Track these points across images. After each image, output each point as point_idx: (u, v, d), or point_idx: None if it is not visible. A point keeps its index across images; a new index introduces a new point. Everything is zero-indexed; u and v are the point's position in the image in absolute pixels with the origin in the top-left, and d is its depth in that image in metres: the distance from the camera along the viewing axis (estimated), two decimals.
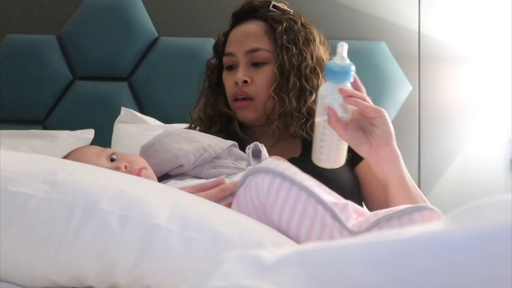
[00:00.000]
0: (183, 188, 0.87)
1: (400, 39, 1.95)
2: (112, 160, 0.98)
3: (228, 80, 1.25)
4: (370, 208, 1.16)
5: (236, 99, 1.23)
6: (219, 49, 1.31)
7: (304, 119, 1.20)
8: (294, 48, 1.21)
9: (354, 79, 0.94)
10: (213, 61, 1.33)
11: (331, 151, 0.94)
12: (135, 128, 1.70)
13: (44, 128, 1.90)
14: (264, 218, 0.72)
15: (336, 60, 0.90)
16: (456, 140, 1.94)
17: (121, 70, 1.94)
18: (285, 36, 1.22)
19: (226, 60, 1.26)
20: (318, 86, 1.20)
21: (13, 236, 0.58)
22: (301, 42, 1.23)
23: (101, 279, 0.59)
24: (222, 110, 1.28)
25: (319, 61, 1.24)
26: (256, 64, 1.23)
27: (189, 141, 1.05)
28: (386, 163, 0.96)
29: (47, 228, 0.58)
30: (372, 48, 1.91)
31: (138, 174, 0.95)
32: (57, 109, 1.92)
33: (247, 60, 1.23)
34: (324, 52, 1.28)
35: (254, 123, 1.25)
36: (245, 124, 1.26)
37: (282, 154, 1.07)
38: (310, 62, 1.22)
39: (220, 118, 1.28)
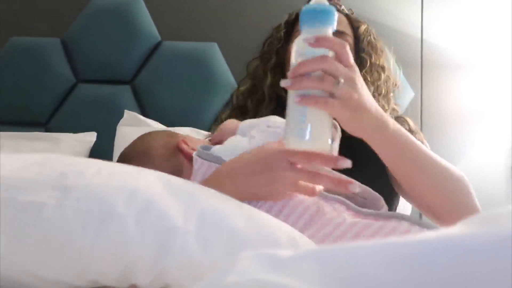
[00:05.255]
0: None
1: (403, 45, 1.95)
2: None
3: None
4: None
5: None
6: (289, 28, 1.23)
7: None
8: (377, 50, 1.24)
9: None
10: (281, 34, 1.24)
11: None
12: (138, 131, 1.69)
13: (47, 131, 1.90)
14: None
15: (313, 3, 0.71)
16: (458, 147, 1.94)
17: (124, 73, 1.94)
18: (369, 37, 1.24)
19: None
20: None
21: (29, 247, 0.56)
22: (379, 49, 1.26)
23: (121, 281, 0.58)
24: (282, 93, 1.17)
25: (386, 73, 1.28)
26: None
27: None
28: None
29: (64, 236, 0.56)
30: None
31: None
32: (60, 112, 1.93)
33: None
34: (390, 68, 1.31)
35: None
36: None
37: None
38: (382, 72, 1.25)
39: (276, 100, 1.21)
